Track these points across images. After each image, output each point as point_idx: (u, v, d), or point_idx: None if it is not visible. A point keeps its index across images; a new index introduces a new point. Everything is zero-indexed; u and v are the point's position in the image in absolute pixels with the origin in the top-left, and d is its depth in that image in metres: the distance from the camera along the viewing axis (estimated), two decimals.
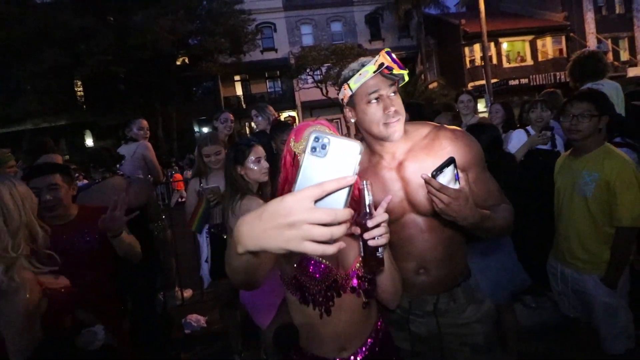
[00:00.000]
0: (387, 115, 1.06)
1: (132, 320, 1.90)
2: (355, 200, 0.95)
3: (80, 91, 16.75)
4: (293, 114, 18.59)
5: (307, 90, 17.65)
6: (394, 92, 1.07)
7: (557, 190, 1.89)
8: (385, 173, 1.14)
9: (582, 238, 1.71)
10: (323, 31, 20.42)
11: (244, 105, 19.64)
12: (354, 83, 1.07)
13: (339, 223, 0.47)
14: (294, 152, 1.01)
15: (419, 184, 1.06)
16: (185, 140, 18.43)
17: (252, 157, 1.80)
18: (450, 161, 0.91)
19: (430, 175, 0.91)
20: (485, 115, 3.77)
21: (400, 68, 1.02)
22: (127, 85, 15.57)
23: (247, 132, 18.63)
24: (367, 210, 0.84)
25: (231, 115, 3.29)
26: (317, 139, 0.51)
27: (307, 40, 19.86)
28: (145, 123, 3.48)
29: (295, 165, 1.01)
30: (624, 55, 18.77)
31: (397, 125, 1.07)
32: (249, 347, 2.57)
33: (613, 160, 1.63)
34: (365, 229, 0.83)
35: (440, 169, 0.90)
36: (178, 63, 17.05)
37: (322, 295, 0.98)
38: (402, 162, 1.13)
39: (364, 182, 0.87)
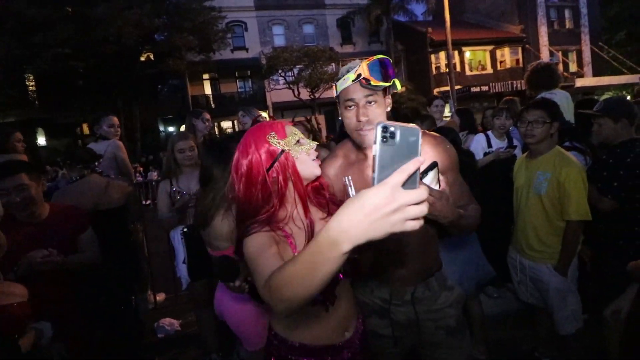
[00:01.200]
0: (359, 123, 1.11)
1: (107, 326, 1.84)
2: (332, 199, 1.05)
3: (32, 86, 15.51)
4: (264, 114, 18.37)
5: (278, 91, 17.55)
6: (372, 102, 1.11)
7: (515, 189, 2.08)
8: (369, 171, 1.21)
9: (537, 231, 1.91)
10: (295, 32, 20.43)
11: (212, 105, 19.18)
12: (339, 87, 1.15)
13: (423, 200, 0.53)
14: (282, 150, 0.98)
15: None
16: (149, 139, 17.64)
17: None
18: (434, 165, 1.00)
19: None
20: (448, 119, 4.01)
21: (384, 80, 1.06)
22: (87, 81, 14.63)
23: (217, 133, 18.24)
24: None
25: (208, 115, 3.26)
26: (385, 129, 0.55)
27: (279, 41, 19.77)
28: (115, 120, 3.31)
29: (284, 162, 0.99)
30: (573, 67, 20.50)
31: (368, 134, 1.12)
32: (225, 347, 2.56)
33: (563, 162, 1.83)
34: None
35: (425, 172, 0.99)
36: (142, 59, 16.26)
37: (328, 290, 1.00)
38: None
39: (346, 177, 0.97)
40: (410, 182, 0.53)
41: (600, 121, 2.05)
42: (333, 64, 16.66)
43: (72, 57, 12.18)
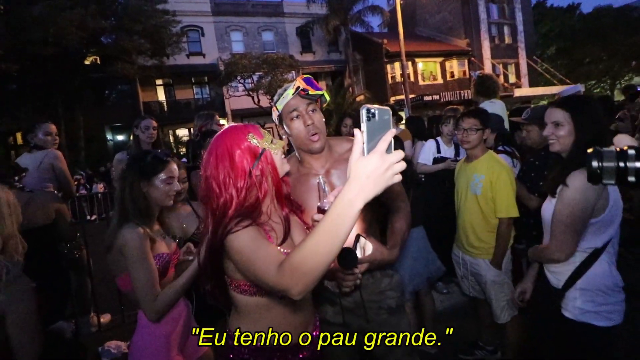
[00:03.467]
0: (308, 128, 1.26)
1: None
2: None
3: None
4: (223, 122, 17.96)
5: (237, 99, 17.25)
6: (313, 110, 1.28)
7: (456, 190, 2.24)
8: (314, 180, 1.33)
9: (475, 229, 2.06)
10: (254, 39, 20.31)
11: (167, 112, 18.39)
12: (279, 105, 1.28)
13: (401, 160, 0.71)
14: (263, 148, 1.05)
15: (339, 187, 1.26)
16: (94, 149, 16.36)
17: (162, 175, 1.46)
18: (357, 238, 1.16)
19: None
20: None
21: (316, 89, 1.24)
22: (21, 85, 13.34)
23: (172, 141, 17.42)
24: (327, 200, 1.07)
25: (154, 122, 3.02)
26: (368, 111, 0.70)
27: (238, 48, 19.51)
28: (53, 128, 3.03)
29: (270, 160, 1.06)
30: (512, 78, 22.51)
31: (316, 137, 1.28)
32: None
33: (495, 164, 2.01)
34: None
35: (354, 246, 1.15)
36: (87, 62, 15.18)
37: None
38: (328, 170, 1.36)
39: (319, 177, 1.14)
40: (388, 148, 0.70)
41: (528, 128, 2.28)
42: (293, 72, 16.75)
43: (3, 59, 11.05)
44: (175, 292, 1.40)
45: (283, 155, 1.10)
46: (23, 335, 1.18)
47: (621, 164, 0.85)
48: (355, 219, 0.72)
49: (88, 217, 7.90)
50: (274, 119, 1.36)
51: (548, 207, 1.44)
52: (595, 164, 0.87)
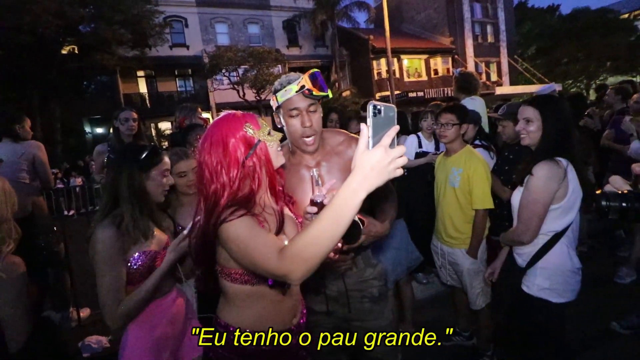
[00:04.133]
0: (304, 129, 1.25)
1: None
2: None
3: None
4: (207, 115, 17.70)
5: (222, 92, 16.99)
6: (314, 110, 1.26)
7: (435, 183, 2.32)
8: (304, 172, 1.35)
9: (453, 220, 2.15)
10: (240, 32, 19.98)
11: (148, 104, 17.93)
12: (280, 97, 1.25)
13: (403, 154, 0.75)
14: (258, 139, 1.03)
15: (331, 180, 1.28)
16: (72, 142, 15.80)
17: (159, 168, 1.40)
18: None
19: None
20: None
21: (322, 90, 1.22)
22: None
23: (154, 134, 17.00)
24: (320, 192, 1.09)
25: (134, 113, 2.90)
26: (375, 107, 0.74)
27: (223, 40, 19.16)
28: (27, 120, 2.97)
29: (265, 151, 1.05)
30: (494, 77, 23.04)
31: (312, 141, 1.28)
32: None
33: (472, 159, 2.10)
34: (322, 206, 1.06)
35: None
36: (64, 52, 14.56)
37: None
38: (319, 162, 1.37)
39: (313, 170, 1.14)
40: (392, 143, 0.74)
41: (504, 123, 2.39)
42: (279, 66, 16.62)
43: None
44: (138, 301, 1.30)
45: (279, 148, 1.09)
46: (14, 314, 1.23)
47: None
48: (357, 208, 0.75)
49: (66, 212, 7.66)
50: (272, 105, 1.33)
51: (516, 195, 1.57)
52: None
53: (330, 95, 1.27)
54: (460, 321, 2.45)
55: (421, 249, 2.56)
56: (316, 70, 1.25)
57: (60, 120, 14.54)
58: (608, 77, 23.78)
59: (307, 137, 1.27)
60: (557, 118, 1.49)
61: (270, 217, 1.06)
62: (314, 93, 1.21)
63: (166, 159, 1.48)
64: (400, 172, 0.74)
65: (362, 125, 0.74)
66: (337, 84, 18.85)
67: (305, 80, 1.20)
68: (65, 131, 15.11)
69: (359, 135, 0.76)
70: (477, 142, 2.62)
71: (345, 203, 0.75)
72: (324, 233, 0.78)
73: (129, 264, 1.34)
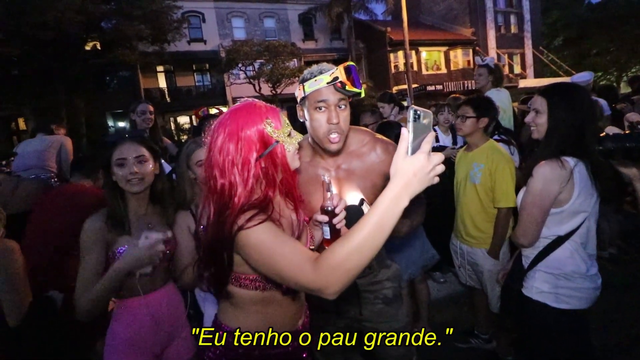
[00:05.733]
0: (330, 126, 1.12)
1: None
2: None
3: None
4: (225, 109, 17.78)
5: (239, 86, 17.09)
6: (343, 106, 1.13)
7: (455, 180, 2.23)
8: (320, 172, 1.25)
9: (473, 218, 2.06)
10: (256, 26, 19.99)
11: (168, 99, 18.24)
12: (309, 87, 1.12)
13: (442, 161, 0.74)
14: (276, 140, 0.94)
15: (350, 185, 1.24)
16: (96, 135, 16.30)
17: (113, 158, 1.37)
18: (362, 201, 1.19)
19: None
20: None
21: (356, 86, 1.09)
22: (22, 70, 13.19)
23: (172, 128, 17.34)
24: (331, 200, 1.02)
25: (150, 106, 2.93)
26: (415, 112, 0.73)
27: (239, 34, 19.21)
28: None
29: (278, 152, 0.96)
30: (517, 69, 22.18)
31: (337, 139, 1.14)
32: None
33: (495, 154, 1.99)
34: (333, 215, 1.00)
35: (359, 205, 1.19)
36: (88, 48, 14.99)
37: None
38: (339, 165, 1.26)
39: (325, 176, 1.02)
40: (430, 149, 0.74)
41: None
42: (295, 60, 16.53)
43: (3, 43, 10.94)
44: (98, 291, 1.25)
45: (297, 149, 0.99)
46: (11, 292, 1.35)
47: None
48: (400, 214, 0.73)
49: None
50: (296, 96, 1.20)
51: (520, 196, 1.46)
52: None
53: (363, 94, 1.13)
54: (479, 323, 2.36)
55: (438, 248, 2.48)
56: (352, 63, 1.12)
57: (85, 114, 15.04)
58: None
59: (332, 134, 1.13)
60: (569, 109, 1.28)
61: (286, 222, 0.99)
62: (347, 88, 1.09)
63: (119, 149, 1.37)
64: (437, 179, 0.73)
65: (403, 129, 0.71)
66: None
67: (339, 71, 1.09)
68: (89, 125, 15.61)
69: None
70: (496, 137, 2.49)
71: (388, 210, 0.73)
72: (368, 241, 0.74)
73: (115, 256, 1.33)
